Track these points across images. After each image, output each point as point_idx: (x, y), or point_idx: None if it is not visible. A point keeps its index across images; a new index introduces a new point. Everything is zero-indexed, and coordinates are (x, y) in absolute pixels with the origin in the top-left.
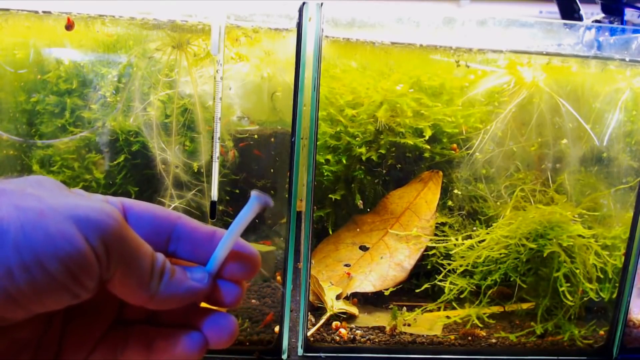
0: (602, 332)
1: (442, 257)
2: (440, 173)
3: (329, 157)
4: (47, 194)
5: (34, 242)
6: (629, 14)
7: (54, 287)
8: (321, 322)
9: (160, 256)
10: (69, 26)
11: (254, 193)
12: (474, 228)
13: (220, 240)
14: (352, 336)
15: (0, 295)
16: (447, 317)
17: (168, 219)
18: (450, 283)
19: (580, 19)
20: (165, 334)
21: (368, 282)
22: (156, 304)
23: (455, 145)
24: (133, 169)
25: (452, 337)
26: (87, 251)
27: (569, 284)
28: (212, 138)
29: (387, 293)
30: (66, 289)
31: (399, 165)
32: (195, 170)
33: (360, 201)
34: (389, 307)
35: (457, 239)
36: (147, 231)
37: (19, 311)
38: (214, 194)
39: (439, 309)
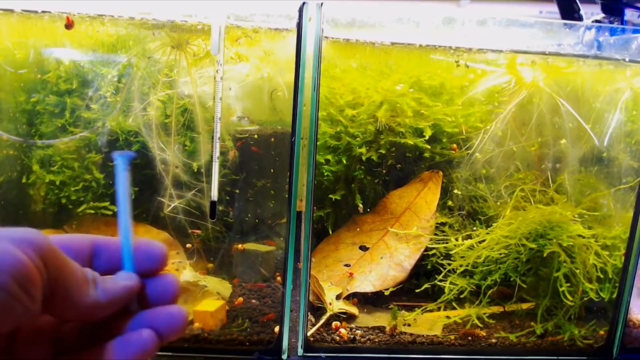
0: (602, 332)
1: (442, 257)
2: (440, 173)
3: (329, 157)
4: None
5: None
6: (629, 14)
7: (6, 300)
8: (321, 322)
9: (88, 269)
10: (69, 25)
11: (115, 154)
12: (474, 228)
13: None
14: (352, 336)
15: None
16: (447, 317)
17: (84, 241)
18: (450, 283)
19: (580, 19)
20: (115, 342)
21: (368, 282)
22: (100, 310)
23: (455, 146)
24: (133, 169)
25: (452, 337)
26: (28, 263)
27: (569, 284)
28: (212, 138)
29: (387, 293)
30: (17, 300)
31: (399, 165)
32: (195, 170)
33: (361, 204)
34: (389, 307)
35: (457, 239)
36: (70, 255)
37: None
38: (214, 194)
39: (439, 309)
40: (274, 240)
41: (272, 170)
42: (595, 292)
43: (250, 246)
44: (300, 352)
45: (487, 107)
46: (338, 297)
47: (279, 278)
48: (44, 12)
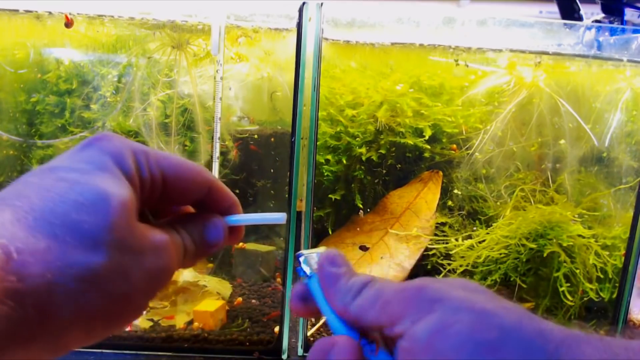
0: (602, 332)
1: (442, 257)
2: (440, 173)
3: (329, 157)
4: None
5: None
6: (629, 14)
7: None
8: (321, 322)
9: None
10: (68, 24)
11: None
12: (474, 228)
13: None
14: None
15: None
16: None
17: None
18: None
19: (580, 19)
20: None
21: None
22: None
23: (454, 146)
24: None
25: None
26: (127, 193)
27: (569, 284)
28: (212, 138)
29: None
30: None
31: (399, 165)
32: None
33: (362, 209)
34: None
35: (457, 239)
36: None
37: None
38: None
39: None
40: (272, 240)
41: (272, 170)
42: (595, 292)
43: (251, 246)
44: (300, 352)
45: (487, 108)
46: None
47: (279, 279)
48: (37, 12)
